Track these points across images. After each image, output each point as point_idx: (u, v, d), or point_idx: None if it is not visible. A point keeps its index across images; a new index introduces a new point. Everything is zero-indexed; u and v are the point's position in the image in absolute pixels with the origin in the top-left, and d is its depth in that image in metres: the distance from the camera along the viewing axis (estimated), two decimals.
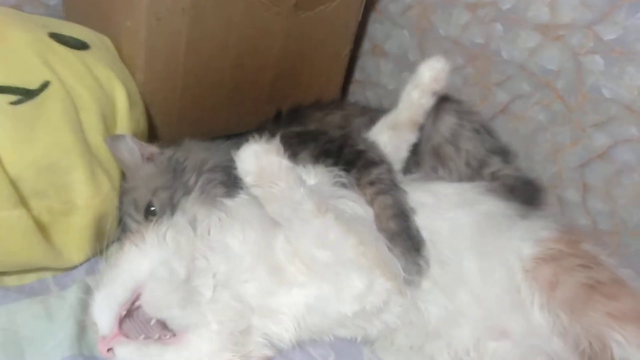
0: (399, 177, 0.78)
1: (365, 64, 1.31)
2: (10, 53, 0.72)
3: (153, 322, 0.57)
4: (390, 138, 0.83)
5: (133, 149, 0.76)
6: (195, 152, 0.81)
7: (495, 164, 0.86)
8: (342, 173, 0.71)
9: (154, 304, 0.56)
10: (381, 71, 1.27)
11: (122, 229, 0.76)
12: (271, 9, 0.93)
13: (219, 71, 0.95)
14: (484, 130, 0.89)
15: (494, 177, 0.85)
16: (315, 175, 0.71)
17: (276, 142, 0.61)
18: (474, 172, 0.85)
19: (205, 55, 0.91)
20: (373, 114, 0.91)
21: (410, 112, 0.82)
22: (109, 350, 0.55)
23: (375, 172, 0.71)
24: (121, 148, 0.75)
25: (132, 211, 0.74)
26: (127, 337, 0.55)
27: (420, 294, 0.67)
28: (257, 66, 1.00)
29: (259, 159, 0.60)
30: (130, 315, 0.57)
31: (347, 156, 0.73)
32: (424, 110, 0.83)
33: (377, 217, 0.69)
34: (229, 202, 0.69)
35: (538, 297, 0.67)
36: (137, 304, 0.57)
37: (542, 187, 0.92)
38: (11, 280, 0.71)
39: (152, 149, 0.79)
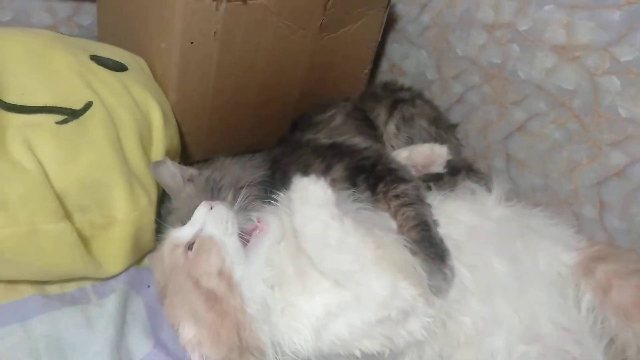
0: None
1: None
2: (55, 75, 0.77)
3: None
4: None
5: (174, 173, 0.80)
6: (231, 170, 0.85)
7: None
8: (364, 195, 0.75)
9: None
10: None
11: None
12: (297, 32, 0.97)
13: (246, 91, 0.99)
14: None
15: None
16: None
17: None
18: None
19: (234, 77, 0.95)
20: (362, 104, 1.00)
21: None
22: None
23: (402, 187, 0.75)
24: (163, 172, 0.80)
25: None
26: None
27: (450, 304, 0.68)
28: (283, 86, 1.04)
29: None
30: None
31: (379, 173, 0.77)
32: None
33: (400, 228, 0.72)
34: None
35: (588, 300, 0.68)
36: None
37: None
38: (53, 289, 0.75)
39: (192, 170, 0.83)
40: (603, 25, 0.90)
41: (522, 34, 1.02)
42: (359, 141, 0.89)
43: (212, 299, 0.60)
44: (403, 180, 0.76)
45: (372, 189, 0.75)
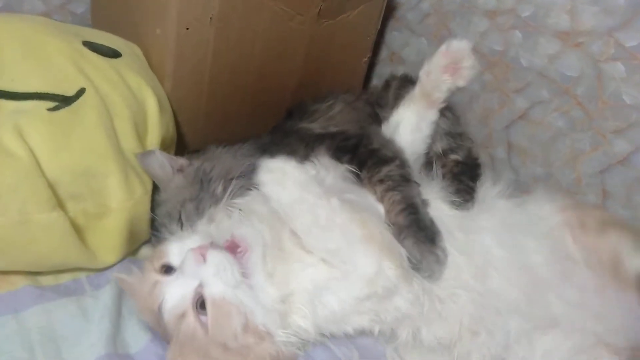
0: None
1: (383, 71, 1.33)
2: (47, 61, 0.75)
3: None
4: (409, 117, 0.83)
5: (163, 163, 0.78)
6: (221, 161, 0.83)
7: (439, 143, 0.86)
8: (354, 170, 0.74)
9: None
10: None
11: (158, 240, 0.78)
12: (295, 18, 0.95)
13: (243, 78, 0.97)
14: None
15: (440, 158, 0.85)
16: (328, 168, 0.73)
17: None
18: None
19: (231, 63, 0.93)
20: (364, 97, 0.97)
21: (423, 86, 0.81)
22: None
23: (385, 170, 0.72)
24: (152, 163, 0.77)
25: (166, 223, 0.76)
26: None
27: (445, 284, 0.68)
28: (281, 73, 1.02)
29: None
30: None
31: (361, 155, 0.75)
32: (436, 85, 0.80)
33: (388, 213, 0.70)
34: (241, 200, 0.73)
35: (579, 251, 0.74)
36: None
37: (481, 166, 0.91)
38: (46, 280, 0.73)
39: (182, 161, 0.81)
40: (607, 10, 0.89)
41: (525, 20, 1.00)
42: (349, 127, 0.87)
43: (245, 354, 0.59)
44: (385, 161, 0.73)
45: (357, 173, 0.74)
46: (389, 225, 0.69)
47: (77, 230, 0.70)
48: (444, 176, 0.81)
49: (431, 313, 0.68)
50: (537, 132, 1.03)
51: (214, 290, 0.58)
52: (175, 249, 0.64)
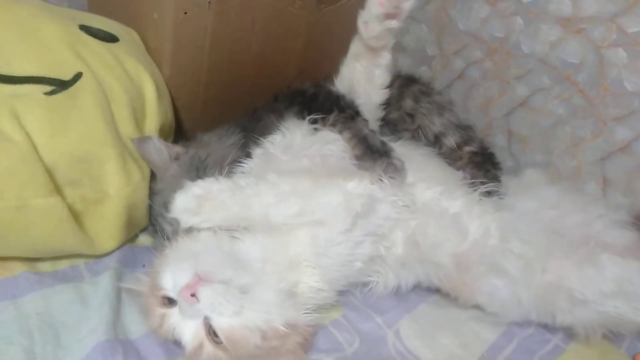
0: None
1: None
2: (43, 45, 0.74)
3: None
4: (359, 69, 0.86)
5: (160, 150, 0.77)
6: (215, 148, 0.83)
7: (452, 137, 0.91)
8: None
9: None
10: (399, 66, 1.28)
11: (156, 230, 0.77)
12: (295, 3, 0.94)
13: (242, 65, 0.96)
14: (440, 108, 0.95)
15: (454, 151, 0.90)
16: (295, 130, 0.79)
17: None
18: (431, 143, 0.93)
19: (229, 49, 0.92)
20: None
21: (365, 39, 0.83)
22: (192, 295, 0.60)
23: (331, 118, 0.81)
24: (149, 149, 0.77)
25: (163, 212, 0.76)
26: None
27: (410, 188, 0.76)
28: (280, 60, 1.01)
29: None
30: None
31: (317, 109, 0.82)
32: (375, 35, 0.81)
33: (350, 150, 0.79)
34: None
35: None
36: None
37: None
38: (45, 267, 0.73)
39: (178, 148, 0.80)
40: None
41: (526, 6, 0.99)
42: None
43: (273, 354, 0.63)
44: (330, 110, 0.81)
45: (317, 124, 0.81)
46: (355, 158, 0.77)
47: (75, 216, 0.70)
48: (464, 169, 0.86)
49: (418, 215, 0.74)
50: (538, 120, 1.03)
51: (220, 322, 0.60)
52: (169, 284, 0.63)
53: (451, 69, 1.16)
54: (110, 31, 0.84)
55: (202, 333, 0.61)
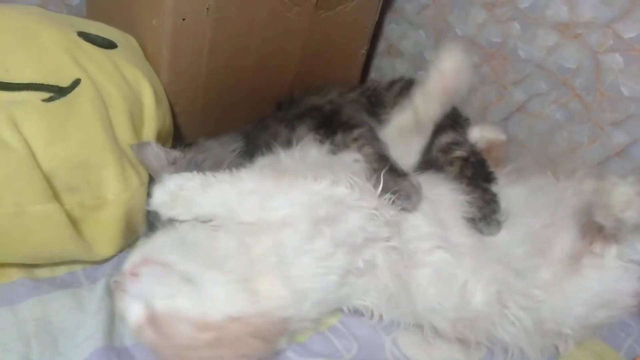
0: None
1: (381, 63, 1.33)
2: (41, 51, 0.74)
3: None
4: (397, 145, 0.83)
5: (159, 155, 0.77)
6: (212, 152, 0.83)
7: (443, 138, 0.87)
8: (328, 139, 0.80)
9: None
10: (397, 71, 1.28)
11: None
12: (293, 9, 0.94)
13: (240, 71, 0.96)
14: None
15: (444, 153, 0.86)
16: (309, 149, 0.77)
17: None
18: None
19: (228, 55, 0.93)
20: (361, 89, 1.00)
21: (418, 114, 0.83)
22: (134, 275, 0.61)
23: (356, 132, 0.80)
24: (147, 155, 0.77)
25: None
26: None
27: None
28: (278, 66, 1.01)
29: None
30: None
31: (335, 127, 0.81)
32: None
33: (368, 166, 0.77)
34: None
35: None
36: None
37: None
38: (42, 273, 0.73)
39: (176, 153, 0.80)
40: (606, 1, 0.88)
41: (523, 11, 1.00)
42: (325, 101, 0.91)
43: (217, 343, 0.60)
44: (355, 126, 0.81)
45: (332, 140, 0.80)
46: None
47: (74, 222, 0.70)
48: (454, 178, 0.81)
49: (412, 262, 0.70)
50: (535, 125, 1.03)
51: (156, 305, 0.60)
52: (125, 266, 0.64)
53: None
54: (109, 37, 0.84)
55: (143, 315, 0.60)
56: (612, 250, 0.73)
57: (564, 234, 0.76)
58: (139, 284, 0.61)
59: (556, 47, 0.96)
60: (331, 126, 0.81)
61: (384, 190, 0.71)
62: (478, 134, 0.94)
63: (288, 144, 0.78)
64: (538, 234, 0.76)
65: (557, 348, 0.74)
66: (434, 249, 0.71)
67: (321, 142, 0.79)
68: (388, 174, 0.74)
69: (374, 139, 0.80)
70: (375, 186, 0.71)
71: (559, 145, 1.01)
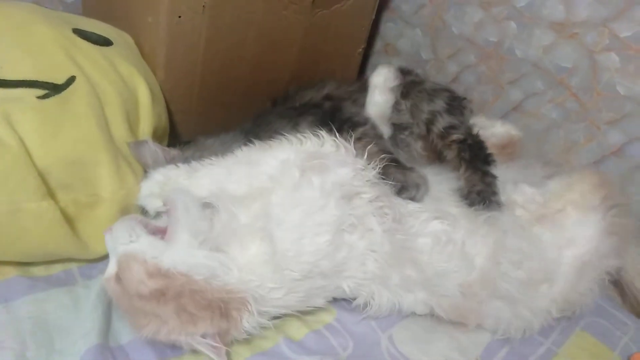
0: None
1: (378, 62, 1.32)
2: (36, 48, 0.73)
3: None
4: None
5: (156, 153, 0.77)
6: (210, 149, 0.83)
7: (440, 123, 0.89)
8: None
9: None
10: None
11: None
12: (289, 7, 0.94)
13: (236, 69, 0.96)
14: (430, 95, 0.93)
15: (442, 138, 0.87)
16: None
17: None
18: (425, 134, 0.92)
19: (223, 54, 0.92)
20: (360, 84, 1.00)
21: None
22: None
23: (360, 130, 0.80)
24: (144, 153, 0.77)
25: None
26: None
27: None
28: (274, 64, 1.01)
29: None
30: None
31: (337, 124, 0.79)
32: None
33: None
34: None
35: None
36: None
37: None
38: (38, 271, 0.72)
39: (174, 152, 0.80)
40: (602, 0, 0.88)
41: (520, 10, 1.00)
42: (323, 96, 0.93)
43: (161, 295, 0.61)
44: (358, 123, 0.82)
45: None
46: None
47: (68, 220, 0.69)
48: (453, 166, 0.83)
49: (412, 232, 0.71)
50: (531, 124, 1.03)
51: (119, 251, 0.63)
52: None
53: (445, 73, 1.17)
54: (104, 35, 0.84)
55: (114, 268, 0.64)
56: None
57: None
58: (110, 234, 0.65)
59: (552, 46, 0.97)
60: (333, 123, 0.80)
61: (393, 181, 0.73)
62: (502, 129, 0.96)
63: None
64: None
65: (549, 312, 0.76)
66: (430, 219, 0.72)
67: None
68: (395, 167, 0.75)
69: (377, 137, 0.81)
70: (382, 178, 0.72)
71: (555, 144, 1.01)
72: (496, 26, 1.05)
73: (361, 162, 0.70)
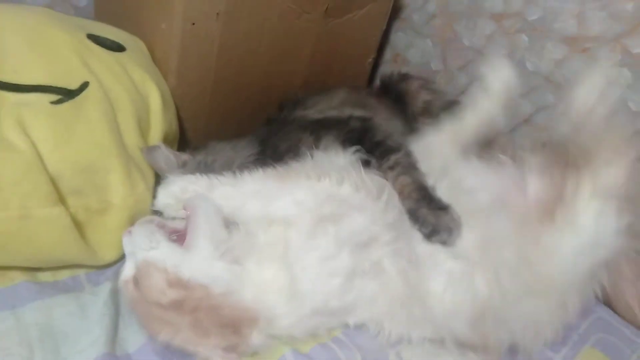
0: None
1: (387, 72, 1.32)
2: (50, 53, 0.74)
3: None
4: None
5: (168, 158, 0.77)
6: (222, 153, 0.83)
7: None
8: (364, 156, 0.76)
9: None
10: None
11: None
12: (302, 16, 0.94)
13: (249, 76, 0.96)
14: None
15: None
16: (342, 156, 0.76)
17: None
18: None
19: (236, 61, 0.92)
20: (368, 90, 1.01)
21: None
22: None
23: (393, 158, 0.75)
24: (157, 158, 0.77)
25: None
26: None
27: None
28: (286, 72, 1.01)
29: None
30: None
31: (367, 145, 0.77)
32: None
33: (400, 195, 0.73)
34: None
35: None
36: None
37: None
38: (45, 276, 0.72)
39: (185, 156, 0.80)
40: (615, 15, 0.88)
41: (532, 23, 1.00)
42: (349, 112, 0.89)
43: (179, 306, 0.61)
44: (391, 150, 0.77)
45: (365, 163, 0.76)
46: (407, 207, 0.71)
47: (78, 226, 0.69)
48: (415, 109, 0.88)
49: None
50: (542, 137, 1.03)
51: (138, 256, 0.63)
52: None
53: (455, 85, 1.17)
54: (118, 40, 0.84)
55: (131, 271, 0.64)
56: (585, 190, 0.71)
57: (530, 187, 0.77)
58: (129, 238, 0.65)
59: (564, 60, 0.96)
60: (363, 144, 0.77)
61: (422, 225, 0.69)
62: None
63: (312, 151, 0.76)
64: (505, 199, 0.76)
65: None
66: (448, 259, 0.70)
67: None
68: (427, 207, 0.70)
69: (411, 167, 0.75)
70: (413, 221, 0.70)
71: None
72: (507, 39, 1.05)
73: (383, 203, 0.68)
